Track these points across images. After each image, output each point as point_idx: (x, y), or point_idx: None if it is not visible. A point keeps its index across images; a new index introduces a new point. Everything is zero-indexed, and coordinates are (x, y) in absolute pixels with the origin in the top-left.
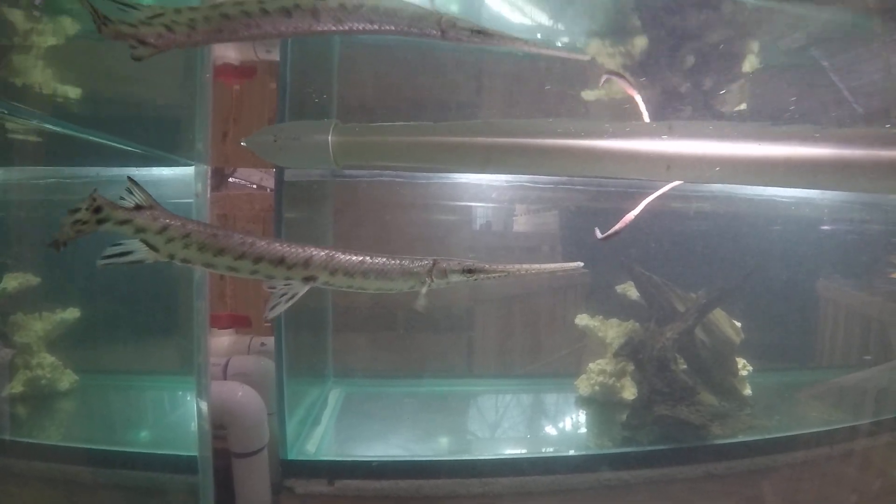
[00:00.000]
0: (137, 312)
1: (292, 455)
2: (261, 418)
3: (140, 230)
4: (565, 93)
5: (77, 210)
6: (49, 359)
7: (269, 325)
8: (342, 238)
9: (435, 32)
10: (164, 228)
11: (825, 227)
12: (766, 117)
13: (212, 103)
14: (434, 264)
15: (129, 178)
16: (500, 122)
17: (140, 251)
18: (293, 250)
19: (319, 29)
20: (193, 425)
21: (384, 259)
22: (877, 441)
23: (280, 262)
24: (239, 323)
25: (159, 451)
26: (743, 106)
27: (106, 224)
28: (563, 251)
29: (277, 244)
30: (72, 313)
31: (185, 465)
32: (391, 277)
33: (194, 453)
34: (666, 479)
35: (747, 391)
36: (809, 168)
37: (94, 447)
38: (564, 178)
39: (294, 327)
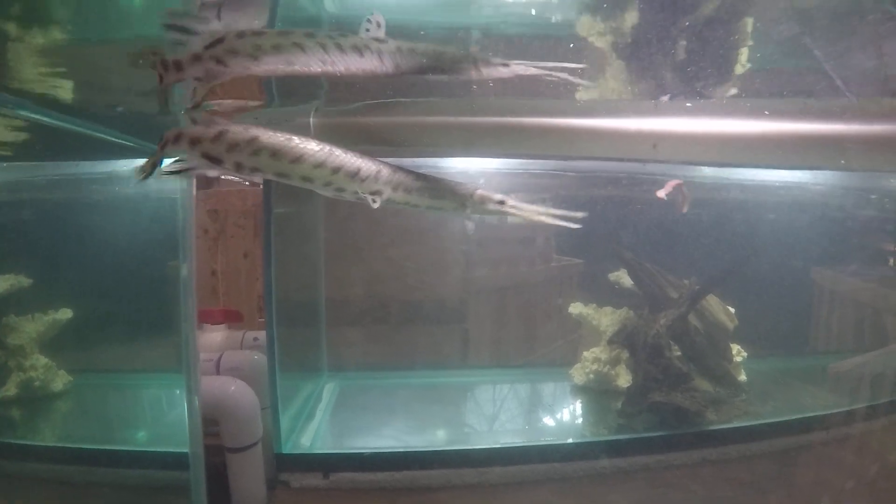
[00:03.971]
0: (128, 311)
1: (287, 449)
2: (254, 412)
3: (195, 141)
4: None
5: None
6: (42, 360)
7: (262, 319)
8: (334, 231)
9: (473, 70)
10: (222, 134)
11: (819, 214)
12: None
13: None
14: (475, 190)
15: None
16: (485, 102)
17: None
18: (367, 163)
19: (382, 70)
20: (184, 421)
21: (436, 179)
22: (873, 425)
23: (356, 173)
24: (231, 318)
25: (151, 449)
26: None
27: (165, 149)
28: (556, 242)
29: (352, 154)
30: (64, 314)
31: (177, 462)
32: (440, 197)
33: (185, 450)
34: (662, 465)
35: (742, 377)
36: (801, 143)
37: (87, 447)
38: (555, 165)
39: (286, 322)
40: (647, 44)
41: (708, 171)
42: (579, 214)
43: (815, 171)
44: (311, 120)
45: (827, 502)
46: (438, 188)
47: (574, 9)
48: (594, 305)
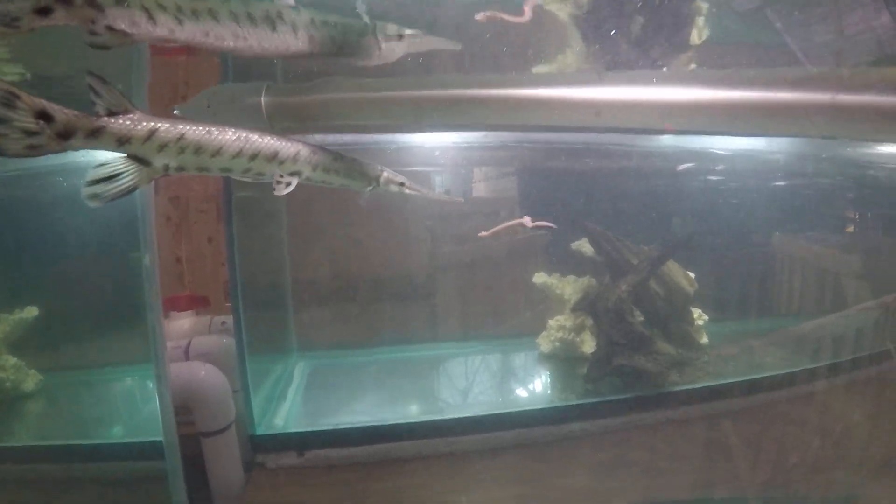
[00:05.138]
0: (95, 305)
1: (260, 430)
2: (225, 395)
3: (123, 140)
4: (517, 56)
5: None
6: (11, 360)
7: (229, 304)
8: (296, 213)
9: (377, 52)
10: (153, 132)
11: (777, 181)
12: None
13: (150, 72)
14: (381, 171)
15: (91, 73)
16: (432, 77)
17: (128, 174)
18: (285, 144)
19: (294, 49)
20: (156, 410)
21: (351, 160)
22: (835, 383)
23: (274, 156)
24: (197, 304)
25: (127, 441)
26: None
27: (74, 139)
28: (520, 213)
29: (269, 138)
30: (30, 312)
31: (152, 451)
32: (352, 176)
33: (159, 438)
34: (628, 426)
35: (704, 339)
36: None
37: (62, 443)
38: (514, 137)
39: (253, 305)
40: (603, 17)
41: (667, 140)
42: (460, 199)
43: (770, 140)
44: (263, 99)
45: (792, 458)
46: (352, 168)
47: None
48: (557, 275)
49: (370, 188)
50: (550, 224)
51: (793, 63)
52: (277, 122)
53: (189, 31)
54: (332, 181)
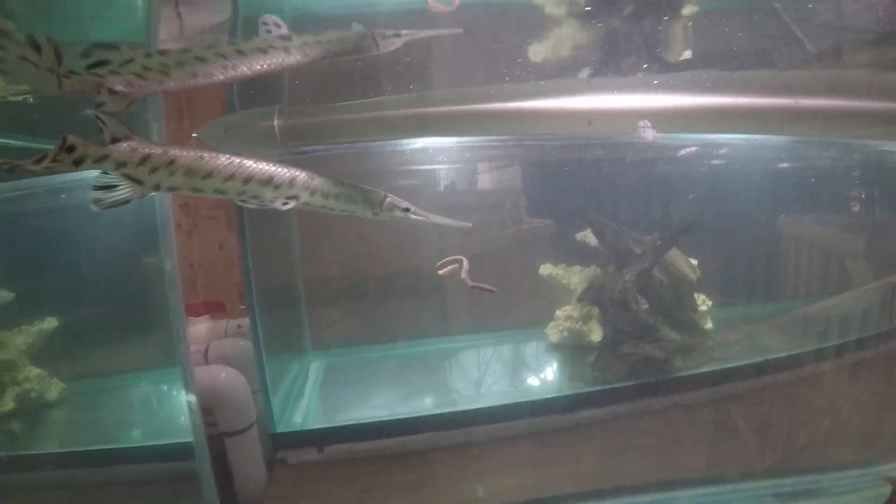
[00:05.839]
0: (114, 313)
1: (280, 428)
2: (246, 395)
3: (120, 164)
4: (516, 47)
5: (42, 158)
6: (35, 371)
7: (243, 307)
8: (305, 217)
9: (375, 48)
10: (146, 158)
11: (783, 164)
12: (714, 59)
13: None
14: (385, 197)
15: (98, 106)
16: (434, 93)
17: (123, 188)
18: (280, 170)
19: (290, 62)
20: (184, 413)
21: (352, 185)
22: (841, 365)
23: (268, 181)
24: (213, 308)
25: (155, 443)
26: (687, 54)
27: (84, 164)
28: (526, 204)
29: (264, 163)
30: (49, 323)
31: (183, 452)
32: (354, 201)
33: (189, 439)
34: (635, 412)
35: (708, 325)
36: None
37: (93, 448)
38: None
39: (267, 307)
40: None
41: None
42: (468, 224)
43: None
44: (276, 122)
45: (801, 439)
46: (353, 194)
47: None
48: (563, 265)
49: (374, 214)
50: (491, 287)
51: (792, 41)
52: (290, 143)
53: (177, 78)
54: (333, 206)
